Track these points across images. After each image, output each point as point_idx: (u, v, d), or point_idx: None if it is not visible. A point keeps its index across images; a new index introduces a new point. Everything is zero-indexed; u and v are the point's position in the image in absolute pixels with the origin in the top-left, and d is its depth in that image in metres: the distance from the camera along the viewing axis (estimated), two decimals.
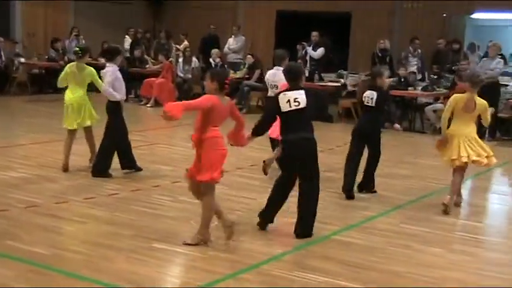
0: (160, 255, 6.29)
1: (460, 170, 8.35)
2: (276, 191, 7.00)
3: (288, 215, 7.14)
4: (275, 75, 9.58)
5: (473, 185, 9.98)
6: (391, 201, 8.66)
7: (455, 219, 8.30)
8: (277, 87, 9.15)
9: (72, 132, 9.54)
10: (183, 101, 6.46)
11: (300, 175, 6.85)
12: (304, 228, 6.90)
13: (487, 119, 8.42)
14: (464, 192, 9.65)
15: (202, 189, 6.41)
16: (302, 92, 6.82)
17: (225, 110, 6.42)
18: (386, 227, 7.48)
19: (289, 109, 6.76)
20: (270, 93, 9.77)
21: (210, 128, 6.30)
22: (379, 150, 8.88)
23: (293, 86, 6.91)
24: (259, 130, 6.98)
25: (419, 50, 17.08)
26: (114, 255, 6.20)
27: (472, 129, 8.31)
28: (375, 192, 8.92)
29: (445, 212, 8.09)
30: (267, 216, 7.06)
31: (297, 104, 6.75)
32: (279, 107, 6.80)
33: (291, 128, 6.77)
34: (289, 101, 6.76)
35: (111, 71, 9.05)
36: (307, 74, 16.67)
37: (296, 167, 6.81)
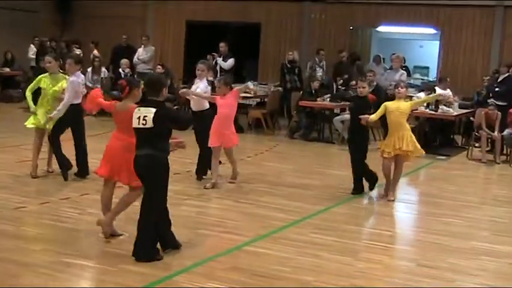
0: (69, 269, 6.17)
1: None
2: None
3: (201, 226, 7.14)
4: None
5: (380, 193, 10.21)
6: (301, 211, 8.77)
7: (362, 227, 8.53)
8: None
9: None
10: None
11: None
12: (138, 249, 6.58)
13: None
14: (371, 201, 9.93)
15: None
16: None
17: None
18: (296, 236, 7.58)
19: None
20: None
21: None
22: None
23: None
24: None
25: (324, 62, 17.48)
26: (21, 270, 6.05)
27: None
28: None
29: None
30: None
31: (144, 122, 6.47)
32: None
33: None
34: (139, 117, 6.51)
35: None
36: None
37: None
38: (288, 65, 17.01)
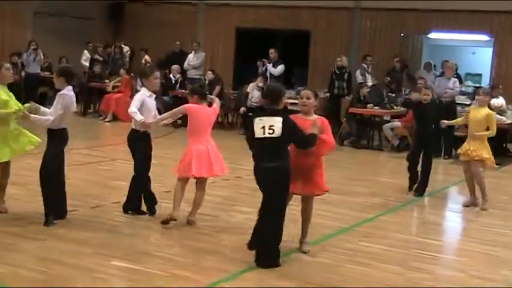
0: (121, 273, 6.27)
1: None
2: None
3: (250, 232, 7.15)
4: None
5: (429, 202, 10.14)
6: (349, 218, 8.76)
7: (412, 236, 8.45)
8: None
9: None
10: None
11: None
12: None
13: None
14: (421, 210, 9.86)
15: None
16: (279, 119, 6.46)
17: None
18: (344, 244, 7.55)
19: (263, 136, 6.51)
20: None
21: None
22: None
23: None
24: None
25: (370, 68, 17.40)
26: (75, 273, 6.16)
27: None
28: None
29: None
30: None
31: (271, 131, 6.46)
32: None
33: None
34: (263, 127, 6.48)
35: None
36: None
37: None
38: (337, 71, 16.96)
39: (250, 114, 16.48)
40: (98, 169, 11.05)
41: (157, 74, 8.32)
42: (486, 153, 9.54)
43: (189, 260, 6.73)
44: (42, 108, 7.87)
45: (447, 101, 14.48)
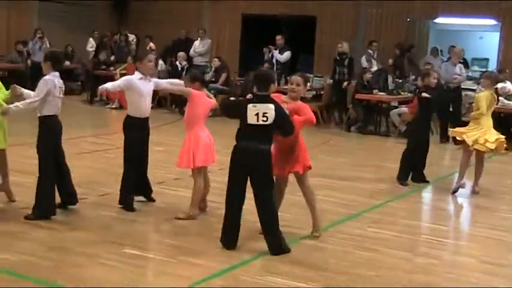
0: (131, 260, 6.28)
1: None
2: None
3: (256, 218, 7.15)
4: None
5: (437, 188, 10.13)
6: (358, 204, 8.76)
7: (420, 222, 8.47)
8: None
9: None
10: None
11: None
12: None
13: None
14: (428, 195, 9.86)
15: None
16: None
17: None
18: (353, 230, 7.56)
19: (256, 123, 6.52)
20: None
21: None
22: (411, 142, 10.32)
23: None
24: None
25: (376, 54, 17.32)
26: (84, 261, 6.19)
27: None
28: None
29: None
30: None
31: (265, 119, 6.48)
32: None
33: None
34: (257, 114, 6.49)
35: None
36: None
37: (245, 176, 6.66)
38: (337, 57, 16.87)
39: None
40: (104, 157, 11.06)
41: (152, 57, 8.18)
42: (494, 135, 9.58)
43: (199, 247, 6.73)
44: (26, 91, 7.62)
45: (454, 87, 14.46)
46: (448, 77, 14.43)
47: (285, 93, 7.14)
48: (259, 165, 6.54)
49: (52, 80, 7.35)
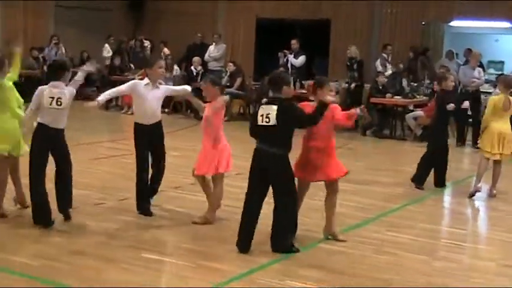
0: (149, 265, 6.31)
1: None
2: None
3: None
4: None
5: (455, 192, 10.10)
6: (375, 208, 8.74)
7: (439, 226, 8.44)
8: None
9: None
10: None
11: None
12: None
13: None
14: (446, 199, 9.83)
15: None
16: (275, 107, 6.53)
17: None
18: (371, 234, 7.55)
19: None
20: None
21: None
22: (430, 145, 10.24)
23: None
24: None
25: (390, 57, 17.27)
26: (104, 265, 6.22)
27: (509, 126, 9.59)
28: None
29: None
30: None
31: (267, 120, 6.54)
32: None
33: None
34: (262, 115, 6.57)
35: None
36: None
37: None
38: (347, 63, 16.86)
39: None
40: (122, 162, 11.08)
41: (162, 63, 8.11)
42: None
43: (217, 251, 6.77)
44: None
45: (473, 90, 14.40)
46: (466, 80, 14.38)
47: (300, 98, 7.18)
48: (271, 168, 6.56)
49: (41, 89, 7.24)
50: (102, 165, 10.62)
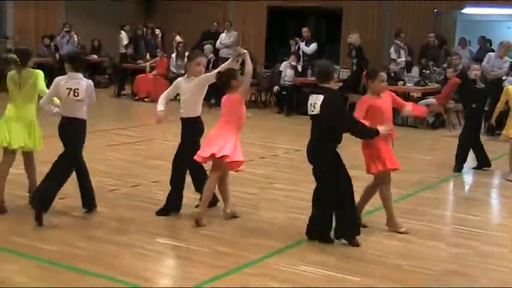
0: (164, 250, 6.37)
1: None
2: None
3: (291, 210, 7.22)
4: None
5: (468, 179, 10.10)
6: None
7: (452, 213, 8.45)
8: None
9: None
10: None
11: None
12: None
13: None
14: (460, 186, 9.82)
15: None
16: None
17: None
18: (384, 221, 7.54)
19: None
20: None
21: None
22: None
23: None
24: None
25: (403, 43, 17.20)
26: (119, 250, 6.27)
27: None
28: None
29: None
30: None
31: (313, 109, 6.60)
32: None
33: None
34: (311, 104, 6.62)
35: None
36: (300, 69, 16.75)
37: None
38: (347, 50, 16.81)
39: (284, 93, 16.48)
40: (134, 149, 11.15)
41: (199, 60, 7.46)
42: None
43: (232, 237, 6.81)
44: None
45: (494, 80, 14.29)
46: (489, 68, 14.30)
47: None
48: (312, 162, 6.72)
49: (57, 80, 7.21)
50: (115, 151, 10.67)
